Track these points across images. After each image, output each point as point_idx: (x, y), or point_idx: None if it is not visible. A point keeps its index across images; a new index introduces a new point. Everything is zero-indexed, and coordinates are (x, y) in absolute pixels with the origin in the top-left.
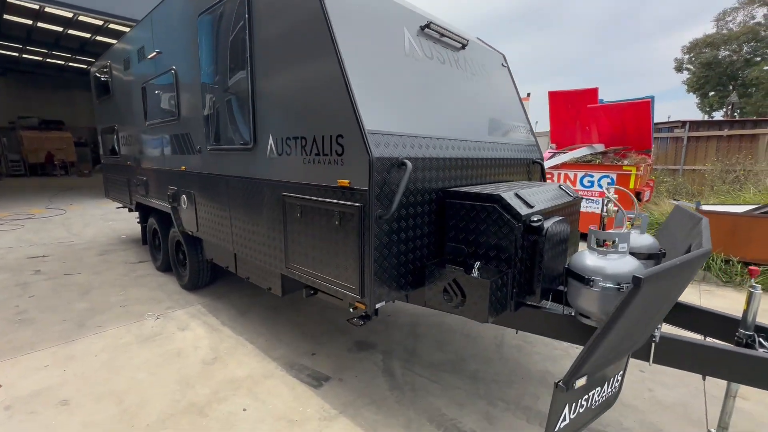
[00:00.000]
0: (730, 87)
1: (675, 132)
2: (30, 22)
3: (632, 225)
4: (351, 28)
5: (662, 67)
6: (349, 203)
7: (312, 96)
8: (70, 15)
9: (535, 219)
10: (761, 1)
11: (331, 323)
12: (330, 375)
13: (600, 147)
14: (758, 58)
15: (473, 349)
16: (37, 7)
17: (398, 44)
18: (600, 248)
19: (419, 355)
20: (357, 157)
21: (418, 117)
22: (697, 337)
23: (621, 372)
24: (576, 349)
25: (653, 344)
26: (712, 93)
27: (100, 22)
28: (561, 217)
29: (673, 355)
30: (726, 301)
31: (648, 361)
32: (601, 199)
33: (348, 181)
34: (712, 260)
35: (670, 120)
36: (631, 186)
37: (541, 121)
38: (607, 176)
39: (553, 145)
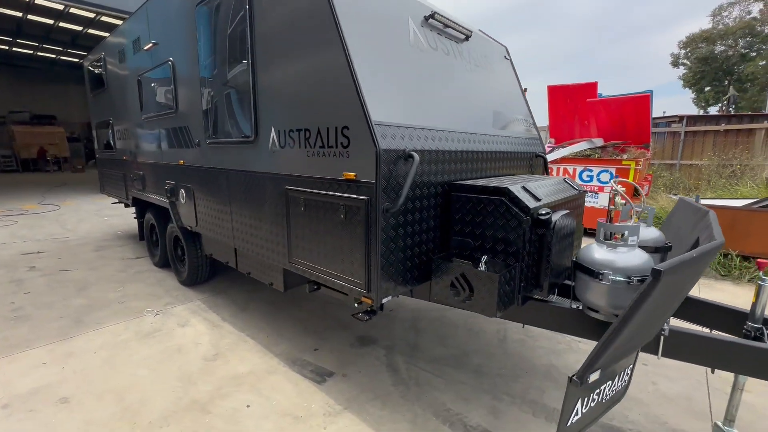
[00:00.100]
0: (726, 82)
1: (672, 127)
2: (20, 14)
3: (638, 218)
4: (356, 17)
5: (657, 63)
6: (355, 196)
7: (316, 87)
8: (60, 7)
9: (544, 212)
10: None
11: (332, 318)
12: (333, 370)
13: (599, 141)
14: (754, 54)
15: (476, 344)
16: None
17: (403, 34)
18: (609, 241)
19: (422, 350)
20: (363, 149)
21: (424, 109)
22: (702, 330)
23: (631, 366)
24: (579, 344)
25: (662, 338)
26: (708, 88)
27: (92, 15)
28: (568, 211)
29: (681, 348)
30: (725, 294)
31: (657, 354)
32: (599, 194)
33: (354, 173)
34: None
35: (666, 115)
36: (630, 180)
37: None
38: (606, 171)
39: (552, 140)
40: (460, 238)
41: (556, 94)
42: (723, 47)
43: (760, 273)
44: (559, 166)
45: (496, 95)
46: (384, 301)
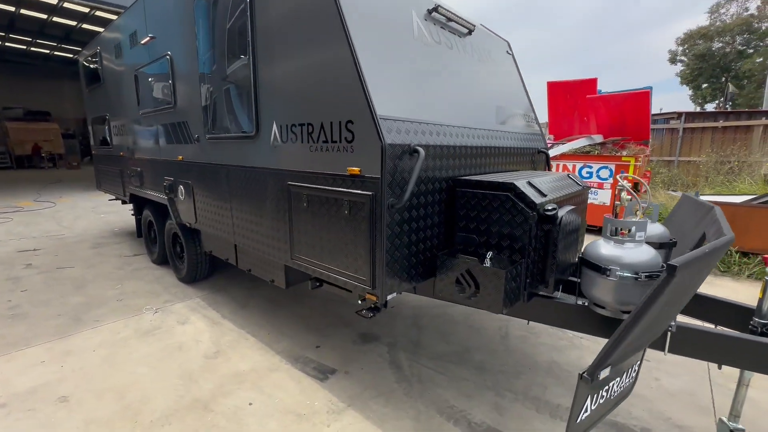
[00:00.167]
0: (723, 79)
1: (671, 123)
2: (13, 8)
3: (643, 214)
4: (361, 9)
5: (655, 59)
6: (360, 192)
7: (319, 81)
8: (54, 2)
9: (550, 208)
10: None
11: (334, 315)
12: (336, 368)
13: (598, 138)
14: (751, 50)
15: (478, 340)
16: None
17: (407, 28)
18: (616, 237)
19: (424, 347)
20: (368, 144)
21: (428, 103)
22: (707, 326)
23: (638, 363)
24: (581, 340)
25: (669, 333)
26: (705, 85)
27: (87, 10)
28: (573, 207)
29: (688, 344)
30: (724, 290)
31: (664, 351)
32: (599, 190)
33: (358, 168)
34: None
35: (664, 112)
36: (630, 176)
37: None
38: (606, 167)
39: (551, 136)
40: (465, 234)
41: (556, 90)
42: (720, 44)
43: (767, 269)
44: (559, 163)
45: (499, 90)
46: (389, 297)
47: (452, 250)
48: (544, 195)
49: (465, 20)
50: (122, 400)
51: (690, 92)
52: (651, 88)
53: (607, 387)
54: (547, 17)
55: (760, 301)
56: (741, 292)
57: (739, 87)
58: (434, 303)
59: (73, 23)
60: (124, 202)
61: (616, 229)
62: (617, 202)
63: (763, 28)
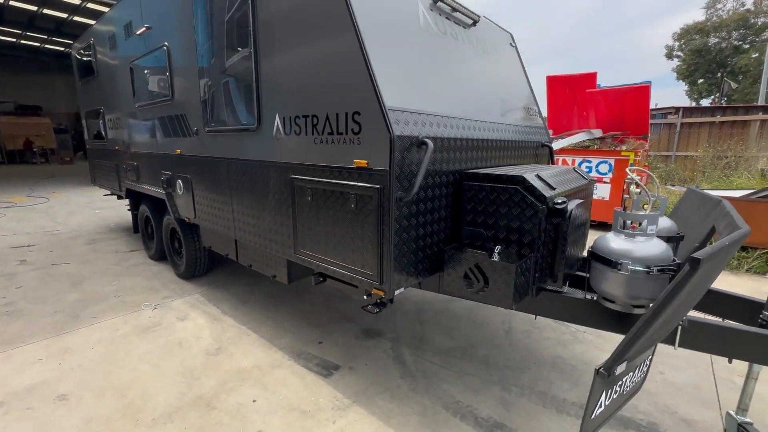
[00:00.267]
0: (719, 74)
1: (668, 118)
2: (1, 0)
3: (651, 208)
4: None
5: (650, 55)
6: (367, 185)
7: (325, 71)
8: None
9: (560, 201)
10: None
11: (335, 311)
12: (339, 363)
13: (598, 132)
14: (747, 46)
15: (482, 335)
16: None
17: (413, 18)
18: (627, 230)
19: (428, 342)
20: (376, 136)
21: (435, 95)
22: (714, 319)
23: (650, 357)
24: (584, 334)
25: (679, 328)
26: (701, 80)
27: (78, 1)
28: (581, 200)
29: (699, 338)
30: (723, 284)
31: (674, 345)
32: (598, 185)
33: (366, 161)
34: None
35: (659, 107)
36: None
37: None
38: (605, 162)
39: (550, 131)
40: (472, 228)
41: (555, 84)
42: (717, 39)
43: None
44: (558, 157)
45: (503, 83)
46: (396, 293)
47: (459, 244)
48: (553, 188)
49: (470, 11)
50: (123, 398)
51: (686, 87)
52: (650, 82)
53: (620, 382)
54: (543, 11)
55: None
56: (740, 286)
57: (735, 82)
58: (437, 298)
59: (64, 15)
60: (119, 197)
61: (624, 222)
62: (625, 196)
63: (759, 23)
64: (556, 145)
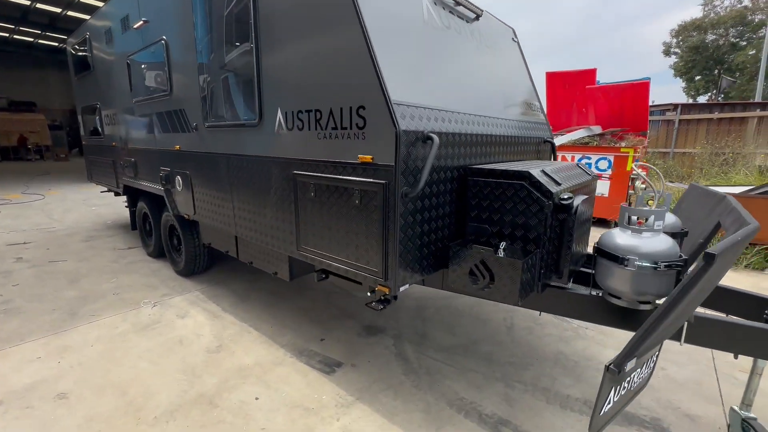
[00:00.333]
0: (716, 71)
1: (666, 115)
2: None
3: (655, 203)
4: None
5: (647, 52)
6: (372, 180)
7: (329, 65)
8: None
9: (566, 197)
10: None
11: (336, 308)
12: (342, 360)
13: (597, 129)
14: (744, 43)
15: (484, 332)
16: None
17: (417, 11)
18: (633, 226)
19: (431, 339)
20: (381, 131)
21: (439, 89)
22: (718, 315)
23: (657, 353)
24: (586, 330)
25: (686, 324)
26: (699, 77)
27: None
28: (586, 196)
29: (705, 334)
30: (722, 280)
31: (680, 341)
32: (598, 181)
33: (371, 156)
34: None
35: (656, 104)
36: (629, 168)
37: None
38: (605, 158)
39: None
40: (477, 224)
41: (555, 80)
42: (714, 36)
43: None
44: (557, 154)
45: (506, 78)
46: (401, 289)
47: (464, 240)
48: (559, 184)
49: (473, 4)
50: (124, 396)
51: (683, 84)
52: (649, 78)
53: (628, 378)
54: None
55: None
56: (739, 281)
57: (732, 79)
58: (438, 295)
59: (58, 10)
60: (117, 194)
61: (631, 217)
62: (631, 192)
63: (757, 20)
64: (556, 142)
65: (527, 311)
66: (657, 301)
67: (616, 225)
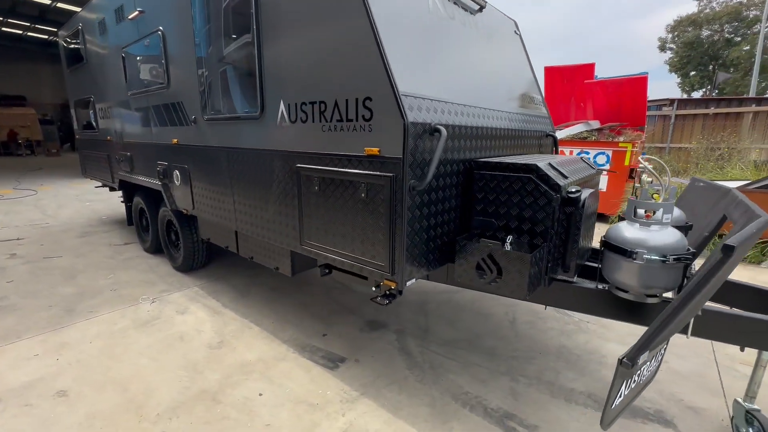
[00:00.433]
0: (711, 67)
1: (663, 110)
2: None
3: (662, 197)
4: None
5: (642, 47)
6: (379, 173)
7: (334, 55)
8: None
9: (574, 190)
10: None
11: (337, 303)
12: (345, 356)
13: (595, 124)
14: (738, 39)
15: (486, 326)
16: None
17: (422, 1)
18: (642, 219)
19: (433, 333)
20: (388, 122)
21: (445, 81)
22: (722, 308)
23: (665, 346)
24: (587, 324)
25: (693, 317)
26: (693, 73)
27: None
28: (593, 189)
29: (711, 327)
30: None
31: (686, 334)
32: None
33: (377, 149)
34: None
35: (652, 99)
36: (627, 163)
37: None
38: (603, 153)
39: None
40: (483, 217)
41: (553, 75)
42: (709, 32)
43: None
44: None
45: (509, 71)
46: (408, 284)
47: (469, 234)
48: (566, 177)
49: None
50: (125, 392)
51: (678, 80)
52: (647, 73)
53: (639, 371)
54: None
55: None
56: (736, 275)
57: (726, 74)
58: (440, 289)
59: (48, 2)
60: (112, 189)
61: (637, 210)
62: (637, 185)
63: (751, 15)
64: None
65: (528, 306)
66: (665, 295)
67: (621, 219)
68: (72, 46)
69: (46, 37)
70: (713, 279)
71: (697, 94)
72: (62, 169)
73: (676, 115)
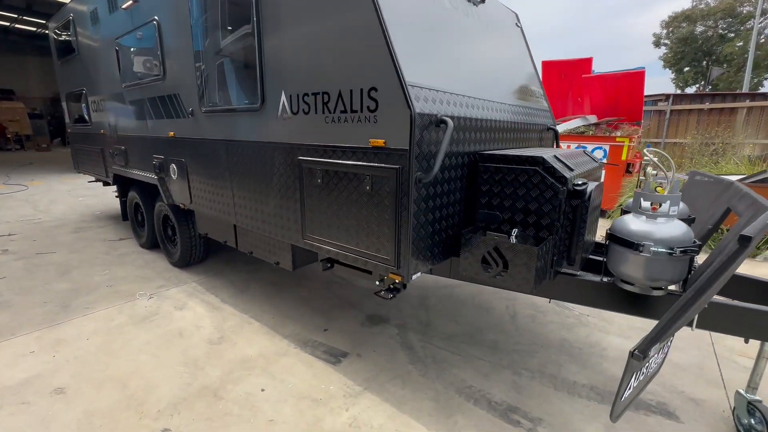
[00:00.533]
0: (705, 63)
1: (659, 105)
2: None
3: (667, 190)
4: None
5: (636, 43)
6: (385, 165)
7: (338, 45)
8: None
9: (580, 182)
10: None
11: (338, 297)
12: (347, 351)
13: (593, 118)
14: (732, 35)
15: (488, 320)
16: None
17: None
18: (648, 212)
19: (435, 328)
20: (395, 113)
21: (450, 72)
22: (724, 300)
23: (671, 339)
24: (588, 317)
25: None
26: (687, 68)
27: None
28: (598, 182)
29: (716, 319)
30: None
31: (692, 327)
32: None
33: (383, 140)
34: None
35: (647, 94)
36: (624, 157)
37: None
38: (600, 148)
39: None
40: (487, 211)
41: (551, 69)
42: (703, 28)
43: None
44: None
45: (511, 63)
46: (414, 278)
47: (474, 227)
48: (572, 170)
49: None
50: (125, 389)
51: (672, 76)
52: (644, 68)
53: (647, 364)
54: None
55: None
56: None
57: (720, 69)
58: (440, 284)
59: None
60: (106, 184)
61: (642, 203)
62: (642, 178)
63: (745, 11)
64: None
65: (528, 300)
66: (670, 287)
67: (625, 212)
68: (63, 37)
69: (35, 29)
70: (728, 270)
71: (690, 90)
72: (53, 164)
73: (671, 111)
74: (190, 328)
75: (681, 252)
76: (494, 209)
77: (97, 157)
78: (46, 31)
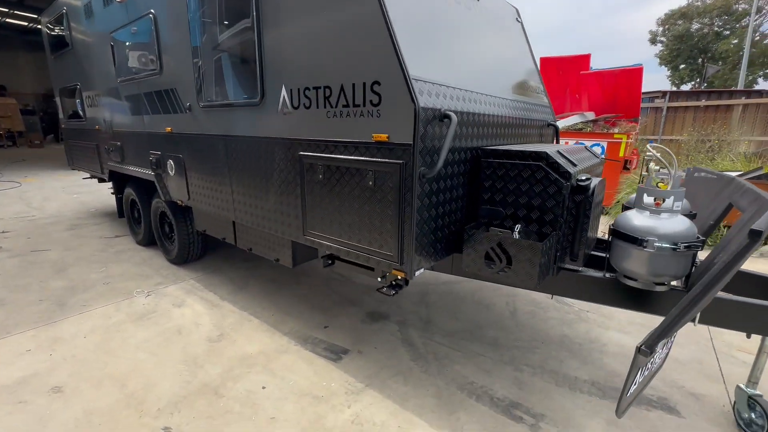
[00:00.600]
0: (700, 60)
1: (655, 102)
2: None
3: (669, 185)
4: None
5: (632, 40)
6: (388, 160)
7: (340, 38)
8: None
9: (584, 178)
10: None
11: (337, 294)
12: (348, 347)
13: (590, 115)
14: (727, 32)
15: (488, 317)
16: None
17: None
18: (651, 207)
19: (435, 324)
20: (398, 108)
21: (453, 67)
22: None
23: (675, 334)
24: (587, 313)
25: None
26: (683, 66)
27: None
28: (601, 178)
29: (718, 314)
30: None
31: (694, 322)
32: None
33: (386, 135)
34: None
35: (644, 92)
36: (621, 154)
37: None
38: (598, 144)
39: None
40: (490, 206)
41: (549, 66)
42: (699, 25)
43: None
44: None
45: (513, 59)
46: (417, 274)
47: (477, 223)
48: (575, 165)
49: None
50: (124, 388)
51: (668, 73)
52: (641, 65)
53: (652, 359)
54: None
55: None
56: None
57: (715, 67)
58: (440, 280)
59: None
60: (101, 180)
61: (644, 199)
62: (644, 173)
63: (740, 9)
64: None
65: (529, 296)
66: (672, 283)
67: (626, 209)
68: (56, 31)
69: (26, 24)
70: (737, 265)
71: (686, 87)
72: (46, 160)
73: (668, 107)
74: (189, 326)
75: (685, 247)
76: (497, 205)
77: (92, 153)
78: (39, 26)
